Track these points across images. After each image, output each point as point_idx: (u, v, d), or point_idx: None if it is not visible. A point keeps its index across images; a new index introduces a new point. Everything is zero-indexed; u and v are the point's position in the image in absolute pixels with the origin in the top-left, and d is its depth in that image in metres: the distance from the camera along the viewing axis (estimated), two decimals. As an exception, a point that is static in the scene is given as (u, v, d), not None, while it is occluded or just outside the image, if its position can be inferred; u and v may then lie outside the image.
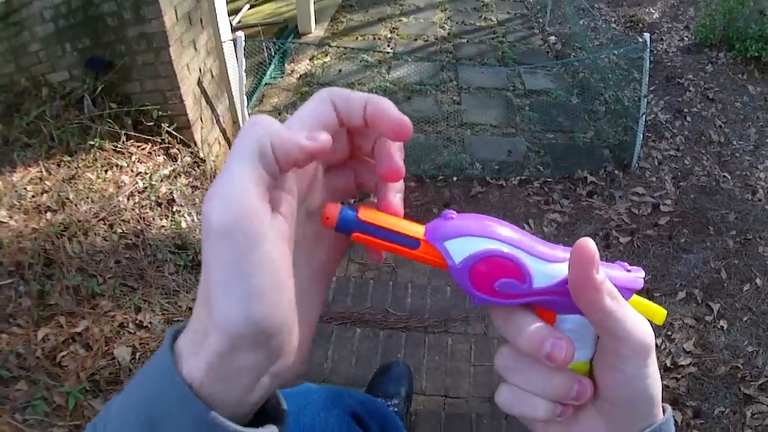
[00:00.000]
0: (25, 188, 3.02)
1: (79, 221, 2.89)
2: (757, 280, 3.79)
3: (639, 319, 0.40)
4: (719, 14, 6.62)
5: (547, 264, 0.38)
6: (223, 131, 4.45)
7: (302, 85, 6.11)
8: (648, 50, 4.52)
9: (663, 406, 0.43)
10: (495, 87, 6.13)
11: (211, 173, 3.91)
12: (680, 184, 4.63)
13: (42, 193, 3.03)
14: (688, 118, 5.49)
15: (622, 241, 4.06)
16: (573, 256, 0.38)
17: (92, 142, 3.34)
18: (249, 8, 8.22)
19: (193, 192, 3.63)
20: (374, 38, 7.40)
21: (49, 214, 2.89)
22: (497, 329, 0.42)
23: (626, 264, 0.42)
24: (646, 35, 4.52)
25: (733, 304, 3.64)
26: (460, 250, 0.38)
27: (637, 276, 0.42)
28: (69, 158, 3.25)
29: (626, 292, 0.40)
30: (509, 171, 4.74)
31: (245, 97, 4.63)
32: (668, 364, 3.22)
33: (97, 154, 3.33)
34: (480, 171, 4.78)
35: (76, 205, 2.99)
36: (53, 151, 3.27)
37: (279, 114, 5.57)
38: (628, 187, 4.58)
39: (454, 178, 4.69)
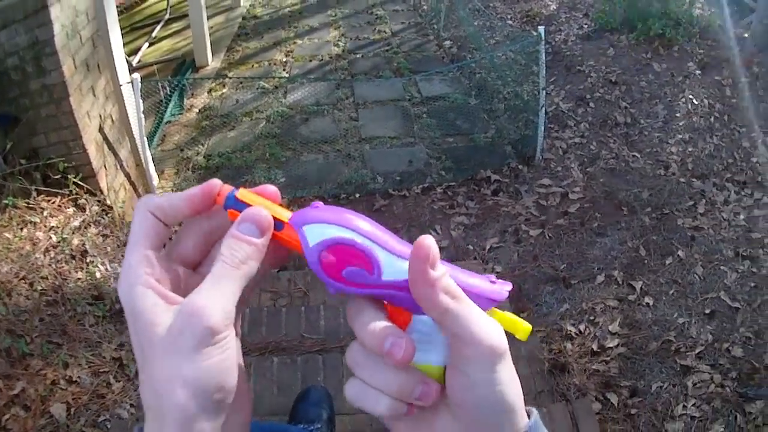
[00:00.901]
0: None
1: (2, 282, 3.01)
2: (680, 252, 3.95)
3: (489, 323, 0.41)
4: None
5: (399, 260, 0.42)
6: (128, 175, 4.55)
7: (202, 119, 6.21)
8: (542, 43, 4.75)
9: (528, 411, 0.45)
10: (391, 99, 6.28)
11: (119, 220, 4.05)
12: (588, 169, 4.82)
13: (-41, 258, 3.11)
14: (591, 104, 5.75)
15: (533, 234, 4.15)
16: (411, 252, 0.40)
17: (6, 201, 3.44)
18: (148, 47, 8.36)
19: (104, 240, 3.78)
20: (270, 64, 7.59)
21: None
22: (349, 323, 0.44)
23: (493, 276, 0.44)
24: (541, 28, 4.75)
25: (657, 280, 3.76)
26: (315, 235, 0.42)
27: (502, 288, 0.44)
28: None
29: (485, 301, 0.43)
30: (411, 180, 4.81)
31: (146, 139, 4.71)
32: (595, 348, 3.27)
33: (12, 212, 3.44)
34: (382, 184, 4.84)
35: None
36: None
37: (181, 151, 5.65)
38: (533, 180, 4.72)
39: (357, 195, 4.75)
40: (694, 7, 7.10)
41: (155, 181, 4.94)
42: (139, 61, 7.64)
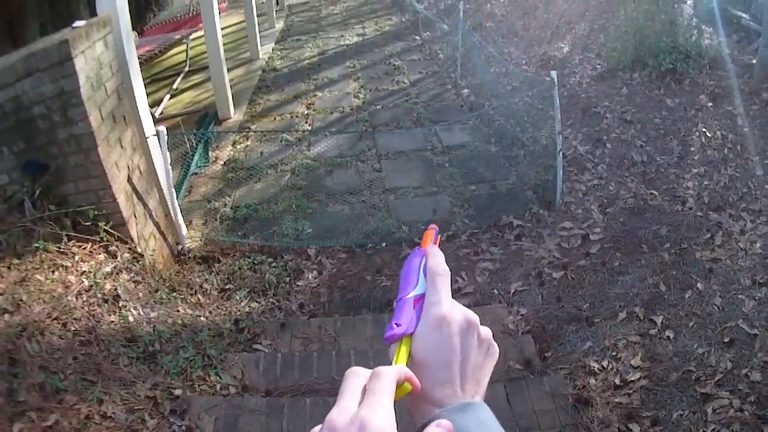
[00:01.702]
0: (-21, 291, 3.41)
1: (35, 322, 3.31)
2: (699, 285, 4.31)
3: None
4: (629, 35, 7.55)
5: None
6: (157, 225, 4.96)
7: (228, 171, 6.79)
8: (556, 87, 5.24)
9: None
10: (413, 149, 6.82)
11: (150, 268, 4.41)
12: (607, 210, 5.26)
13: (-4, 295, 3.45)
14: (608, 145, 6.23)
15: (556, 276, 4.57)
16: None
17: (37, 245, 3.80)
18: (169, 98, 9.16)
19: (135, 287, 4.12)
20: (292, 116, 8.27)
21: (6, 316, 3.29)
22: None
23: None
24: (553, 73, 5.23)
25: (677, 313, 4.12)
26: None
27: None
28: (18, 261, 3.68)
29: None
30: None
31: (173, 190, 5.14)
32: (617, 382, 3.64)
33: (43, 255, 3.79)
34: (407, 233, 5.31)
35: (29, 306, 3.41)
36: (2, 255, 3.70)
37: (208, 202, 6.18)
38: (555, 224, 5.17)
39: (383, 244, 5.21)
40: (703, 37, 7.58)
41: (184, 230, 5.36)
42: (161, 113, 8.38)
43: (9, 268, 3.65)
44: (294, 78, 9.86)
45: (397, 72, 9.64)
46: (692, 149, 6.02)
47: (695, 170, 5.71)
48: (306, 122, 8.05)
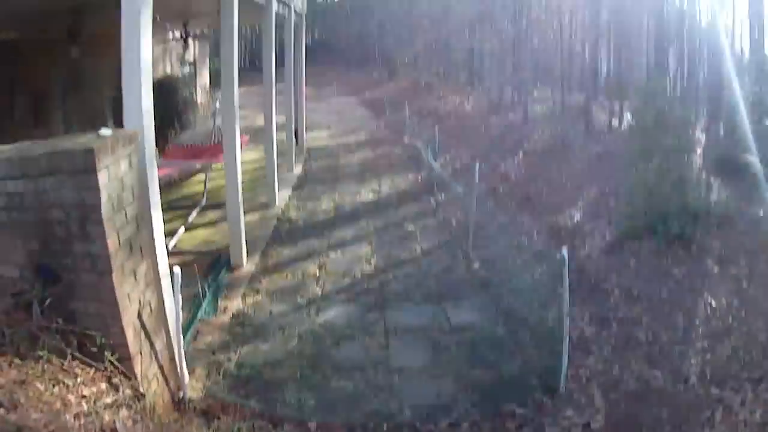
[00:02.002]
0: (-21, 375, 3.63)
1: (31, 428, 3.43)
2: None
3: None
4: (639, 198, 8.17)
5: None
6: (161, 368, 5.19)
7: (235, 324, 7.25)
8: (566, 267, 5.82)
9: None
10: (421, 326, 7.32)
11: (150, 410, 4.53)
12: (610, 396, 5.65)
13: (-6, 387, 3.64)
14: (614, 325, 6.72)
15: (555, 472, 4.94)
16: None
17: (41, 353, 4.01)
18: (184, 231, 9.99)
19: (134, 425, 4.19)
20: (304, 276, 8.85)
21: (2, 410, 3.44)
22: None
23: None
24: (564, 251, 5.82)
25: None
26: None
27: None
28: (19, 361, 3.90)
29: None
30: (438, 415, 5.64)
31: (181, 335, 5.49)
32: None
33: (45, 366, 3.98)
34: (409, 417, 5.65)
35: (27, 410, 3.55)
36: (4, 349, 3.94)
37: (213, 354, 6.52)
38: (557, 413, 5.54)
39: (384, 426, 5.52)
40: (711, 192, 8.21)
41: (186, 378, 5.62)
42: (174, 245, 9.15)
43: (10, 365, 3.84)
44: (309, 233, 10.64)
45: (410, 238, 10.41)
46: (697, 322, 6.48)
47: (699, 344, 6.15)
48: (317, 284, 8.58)
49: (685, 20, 16.31)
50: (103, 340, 4.35)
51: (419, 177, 15.18)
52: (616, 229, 8.56)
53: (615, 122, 15.20)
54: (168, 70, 18.49)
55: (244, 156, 9.92)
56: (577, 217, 9.76)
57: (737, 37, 16.04)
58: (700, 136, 11.53)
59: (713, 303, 6.62)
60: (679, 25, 16.58)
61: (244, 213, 9.21)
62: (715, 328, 6.30)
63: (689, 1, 16.12)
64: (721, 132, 10.98)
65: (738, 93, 10.44)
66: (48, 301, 4.27)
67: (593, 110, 15.63)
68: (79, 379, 4.09)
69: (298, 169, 15.76)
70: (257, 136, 16.26)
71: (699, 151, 9.60)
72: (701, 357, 5.96)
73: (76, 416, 3.76)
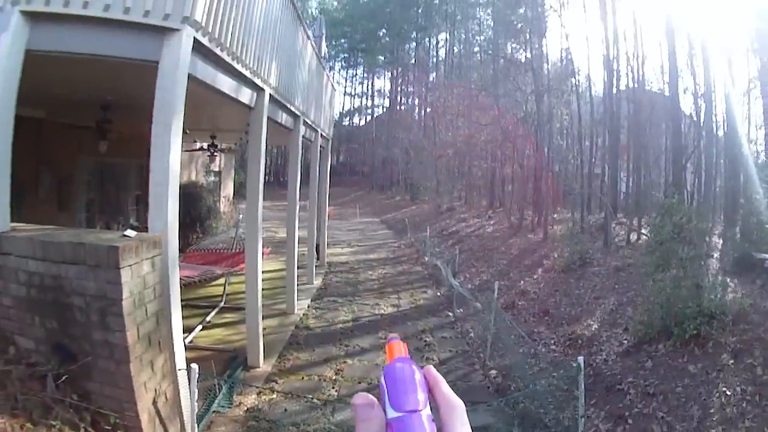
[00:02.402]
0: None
1: None
2: None
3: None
4: (656, 305, 8.44)
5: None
6: None
7: (249, 419, 7.37)
8: (582, 373, 6.09)
9: None
10: (437, 428, 7.47)
11: None
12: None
13: (9, 449, 3.77)
14: (630, 421, 6.86)
15: None
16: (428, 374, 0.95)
17: (54, 422, 4.19)
18: (201, 329, 10.25)
19: None
20: (320, 379, 9.00)
21: None
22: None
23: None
24: (580, 359, 6.12)
25: None
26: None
27: None
28: (31, 427, 4.08)
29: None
30: None
31: (196, 426, 5.71)
32: None
33: None
34: None
35: None
36: (16, 412, 4.11)
37: None
38: (571, 506, 5.67)
39: None
40: (726, 293, 8.44)
41: None
42: (191, 341, 9.39)
43: (22, 428, 4.03)
44: (326, 340, 10.85)
45: (427, 349, 10.62)
46: (711, 411, 6.58)
47: (713, 431, 6.22)
48: (333, 387, 8.73)
49: (702, 133, 17.04)
50: (118, 421, 4.60)
51: (438, 293, 15.54)
52: (633, 336, 8.77)
53: (633, 237, 15.64)
54: (193, 177, 19.58)
55: (264, 266, 10.29)
56: (595, 326, 9.99)
57: (753, 143, 16.74)
58: (717, 241, 11.88)
59: (727, 392, 6.75)
60: (696, 138, 17.33)
61: (263, 318, 9.51)
62: (729, 414, 6.40)
63: (706, 114, 16.87)
64: (738, 235, 11.33)
65: (753, 197, 10.93)
66: (63, 377, 4.53)
67: (612, 227, 16.11)
68: (91, 453, 4.29)
69: (317, 282, 16.18)
70: (278, 247, 16.87)
71: (716, 255, 9.92)
72: (715, 444, 6.08)
73: (87, 490, 3.96)
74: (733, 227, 12.76)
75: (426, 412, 0.81)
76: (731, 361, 7.26)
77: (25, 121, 5.73)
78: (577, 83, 25.83)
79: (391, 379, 0.86)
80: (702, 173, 17.64)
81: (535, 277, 14.79)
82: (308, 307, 13.34)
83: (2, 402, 4.21)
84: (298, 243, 12.93)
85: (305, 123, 13.21)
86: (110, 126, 10.55)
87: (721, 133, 16.97)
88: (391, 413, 0.82)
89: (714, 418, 6.46)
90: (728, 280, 8.82)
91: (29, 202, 10.24)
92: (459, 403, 0.86)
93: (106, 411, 4.62)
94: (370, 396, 0.82)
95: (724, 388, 6.83)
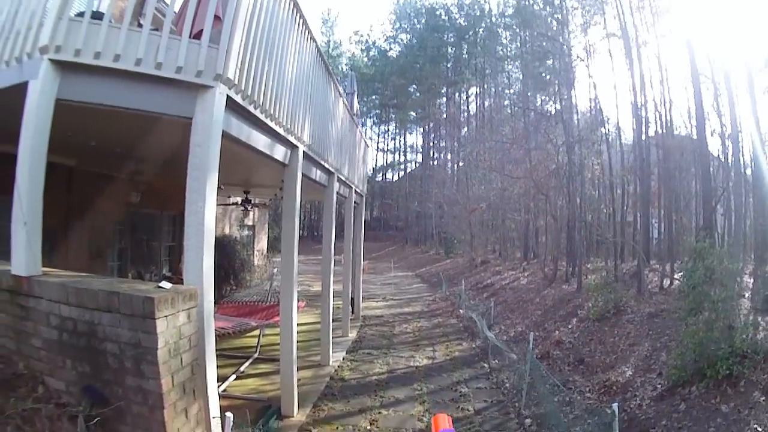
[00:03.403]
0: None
1: None
2: None
3: None
4: (689, 349, 8.40)
5: None
6: None
7: None
8: (616, 419, 6.11)
9: None
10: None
11: None
12: None
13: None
14: (663, 464, 6.81)
15: None
16: None
17: None
18: (235, 379, 10.35)
19: None
20: (354, 429, 9.02)
21: None
22: None
23: None
24: (615, 405, 6.17)
25: None
26: None
27: None
28: None
29: None
30: None
31: None
32: None
33: None
34: None
35: None
36: None
37: None
38: None
39: None
40: (758, 331, 8.34)
41: None
42: (224, 390, 9.50)
43: None
44: (361, 391, 10.87)
45: (462, 399, 10.61)
46: None
47: None
48: (368, 439, 8.73)
49: (731, 173, 17.01)
50: None
51: (473, 345, 15.52)
52: (667, 380, 8.72)
53: (666, 283, 15.51)
54: (227, 230, 19.95)
55: (299, 319, 10.43)
56: (629, 372, 9.92)
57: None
58: (748, 281, 11.76)
59: (759, 428, 6.68)
60: (725, 180, 17.31)
61: (297, 369, 9.53)
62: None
63: (733, 154, 16.87)
64: (768, 273, 11.28)
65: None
66: (96, 420, 4.57)
67: (645, 274, 16.01)
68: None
69: (352, 335, 16.28)
70: (313, 301, 17.07)
71: (747, 294, 9.85)
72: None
73: None
74: (763, 265, 12.67)
75: None
76: (762, 398, 7.19)
77: (56, 168, 5.86)
78: (607, 132, 26.03)
79: None
80: (732, 214, 17.57)
81: (569, 326, 14.71)
82: (343, 359, 13.42)
83: (31, 439, 4.28)
84: (333, 296, 13.09)
85: (339, 179, 13.43)
86: (143, 177, 10.75)
87: (749, 171, 16.99)
88: None
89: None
90: (759, 318, 8.75)
91: (60, 249, 10.44)
92: None
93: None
94: None
95: (756, 425, 6.76)
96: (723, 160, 17.79)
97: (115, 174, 11.29)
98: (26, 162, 5.09)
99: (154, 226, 15.27)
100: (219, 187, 6.22)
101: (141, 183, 11.01)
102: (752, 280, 12.22)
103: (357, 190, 17.20)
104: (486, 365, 13.16)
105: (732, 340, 8.02)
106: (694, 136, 18.47)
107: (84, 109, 5.59)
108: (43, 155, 5.16)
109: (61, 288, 4.83)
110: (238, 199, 17.14)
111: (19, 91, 5.17)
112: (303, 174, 9.45)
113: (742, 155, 17.33)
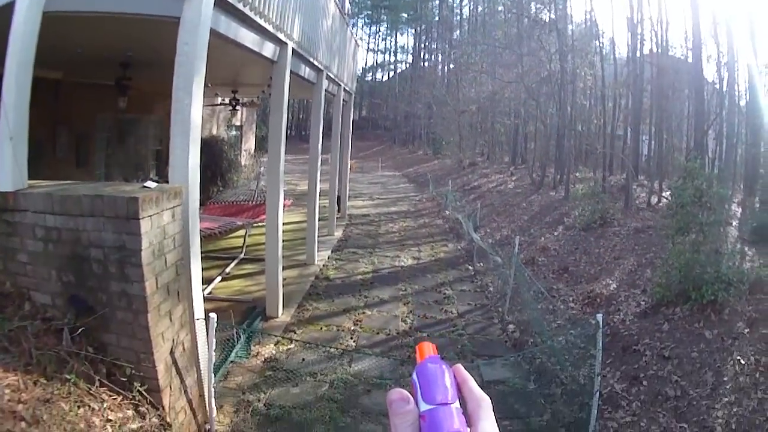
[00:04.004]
0: (3, 391, 3.80)
1: None
2: None
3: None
4: (675, 268, 8.38)
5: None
6: (190, 402, 5.43)
7: (267, 368, 7.47)
8: (600, 330, 6.06)
9: None
10: (454, 381, 7.53)
11: None
12: (636, 449, 5.80)
13: (18, 402, 3.80)
14: (644, 382, 6.86)
15: None
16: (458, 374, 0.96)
17: (68, 376, 4.18)
18: (220, 280, 10.41)
19: None
20: (338, 329, 9.11)
21: (23, 424, 3.66)
22: None
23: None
24: (599, 316, 6.08)
25: None
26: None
27: None
28: (45, 381, 4.07)
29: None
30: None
31: (212, 375, 5.78)
32: None
33: (72, 388, 4.15)
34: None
35: (49, 427, 3.75)
36: (30, 368, 4.10)
37: (243, 393, 6.78)
38: (583, 461, 5.71)
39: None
40: (744, 261, 8.34)
41: (214, 413, 5.89)
42: (210, 293, 9.54)
43: (35, 384, 4.02)
44: (345, 291, 10.95)
45: (446, 301, 10.68)
46: (725, 379, 6.55)
47: (726, 399, 6.21)
48: (351, 338, 8.82)
49: (725, 101, 16.76)
50: (133, 372, 4.60)
51: (459, 246, 15.56)
52: (651, 297, 8.72)
53: (654, 200, 15.46)
54: (214, 131, 19.58)
55: (285, 217, 10.32)
56: (613, 286, 9.94)
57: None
58: (736, 209, 11.73)
59: (742, 360, 6.71)
60: (719, 106, 17.08)
61: (282, 269, 9.53)
62: (742, 384, 6.38)
63: (728, 83, 16.57)
64: (757, 205, 11.21)
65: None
66: (80, 330, 4.52)
67: (633, 188, 15.92)
68: (105, 404, 4.29)
69: (338, 233, 16.28)
70: (300, 200, 16.92)
71: (735, 223, 9.79)
72: (728, 410, 6.04)
73: (100, 438, 3.91)
74: (752, 196, 12.61)
75: (455, 405, 0.84)
76: (746, 330, 7.20)
77: (43, 82, 5.63)
78: (601, 45, 25.36)
79: (423, 376, 0.89)
80: (723, 140, 17.38)
81: (555, 234, 14.70)
82: (328, 258, 13.42)
83: (16, 358, 4.19)
84: (320, 195, 12.94)
85: (328, 77, 13.10)
86: (130, 83, 10.49)
87: (743, 102, 16.82)
88: (424, 406, 0.84)
89: (727, 386, 6.43)
90: (746, 248, 8.70)
91: (47, 160, 10.31)
92: (485, 399, 0.88)
93: (122, 362, 4.62)
94: (405, 392, 0.84)
95: (739, 357, 6.79)
96: (717, 87, 17.44)
97: (102, 81, 10.89)
98: (12, 78, 4.75)
99: (141, 132, 14.95)
100: (206, 86, 6.00)
101: (128, 88, 10.62)
102: (740, 210, 12.16)
103: (346, 88, 16.82)
104: (471, 267, 13.22)
105: (718, 266, 7.97)
106: (690, 60, 18.02)
107: (70, 19, 5.35)
108: (29, 71, 4.86)
109: (47, 198, 4.66)
110: (226, 99, 16.67)
111: (8, 11, 4.81)
112: (292, 71, 9.16)
113: (737, 85, 17.17)
